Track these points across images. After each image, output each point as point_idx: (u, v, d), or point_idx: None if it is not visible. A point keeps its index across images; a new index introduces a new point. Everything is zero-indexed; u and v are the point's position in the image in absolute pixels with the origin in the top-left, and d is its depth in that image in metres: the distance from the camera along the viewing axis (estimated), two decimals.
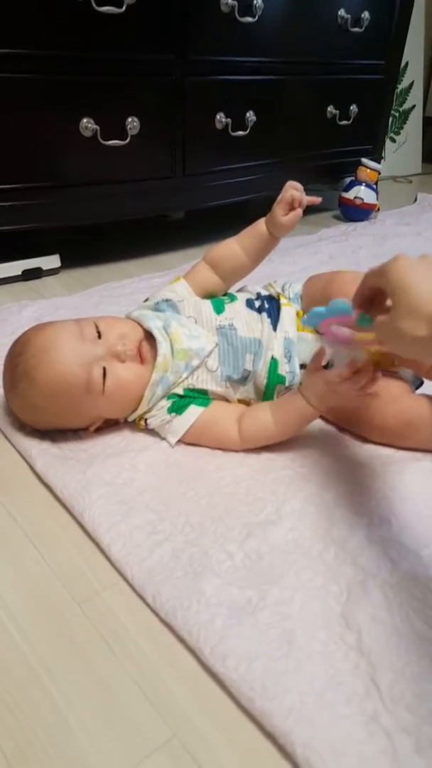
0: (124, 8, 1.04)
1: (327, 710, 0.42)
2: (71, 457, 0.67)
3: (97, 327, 0.66)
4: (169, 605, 0.50)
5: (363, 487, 0.62)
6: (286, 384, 0.71)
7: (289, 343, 0.71)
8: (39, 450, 0.68)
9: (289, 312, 0.73)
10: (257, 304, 0.74)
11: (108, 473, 0.64)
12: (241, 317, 0.72)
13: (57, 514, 0.61)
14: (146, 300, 0.77)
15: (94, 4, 1.01)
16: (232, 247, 0.77)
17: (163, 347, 0.67)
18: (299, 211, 0.73)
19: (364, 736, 0.41)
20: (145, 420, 0.70)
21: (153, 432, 0.71)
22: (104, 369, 0.64)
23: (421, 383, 0.72)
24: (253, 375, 0.71)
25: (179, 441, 0.69)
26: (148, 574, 0.52)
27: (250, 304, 0.74)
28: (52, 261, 1.24)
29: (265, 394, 0.71)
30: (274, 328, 0.71)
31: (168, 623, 0.49)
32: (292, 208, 0.73)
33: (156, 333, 0.67)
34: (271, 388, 0.71)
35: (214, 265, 0.77)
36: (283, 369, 0.70)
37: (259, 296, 0.75)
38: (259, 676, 0.44)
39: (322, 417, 0.74)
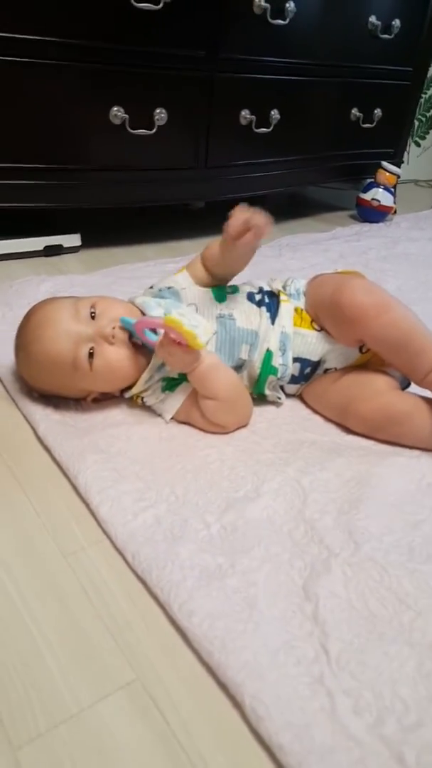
0: (161, 5, 1.07)
1: (277, 669, 0.46)
2: (71, 424, 0.72)
3: (93, 308, 0.70)
4: (146, 564, 0.54)
5: (339, 475, 0.65)
6: (278, 375, 0.75)
7: (285, 337, 0.74)
8: (42, 415, 0.72)
9: (287, 308, 0.76)
10: (257, 297, 0.77)
11: (104, 442, 0.69)
12: (240, 308, 0.75)
13: (53, 475, 0.66)
14: (151, 287, 0.80)
15: (132, 0, 1.04)
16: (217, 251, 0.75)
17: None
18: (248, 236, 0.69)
19: (308, 694, 0.45)
20: (142, 398, 0.74)
21: (150, 408, 0.76)
22: (92, 349, 0.68)
23: (410, 383, 0.75)
24: (248, 364, 0.74)
25: (173, 418, 0.73)
26: (131, 535, 0.57)
27: (250, 296, 0.77)
28: (73, 239, 1.29)
29: (258, 383, 0.75)
30: (272, 322, 0.75)
31: (143, 580, 0.53)
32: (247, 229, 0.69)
33: None
34: (263, 378, 0.75)
35: (205, 263, 0.77)
36: (277, 361, 0.74)
37: (260, 291, 0.78)
38: (219, 633, 0.48)
39: (309, 407, 0.79)
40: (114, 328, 0.69)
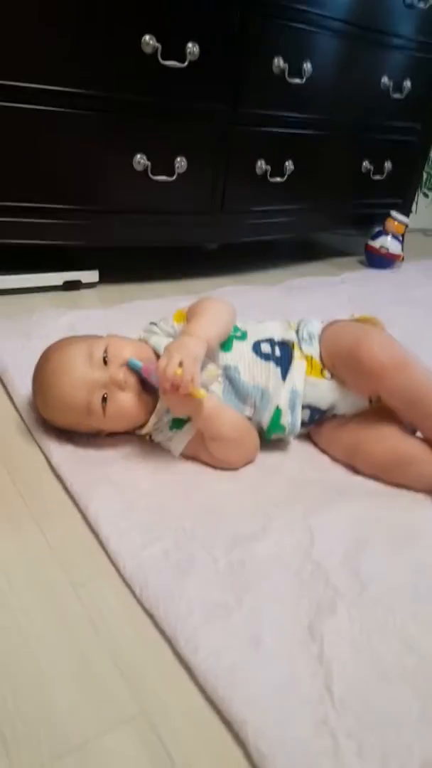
0: (186, 63, 1.15)
1: (282, 707, 0.47)
2: (85, 455, 0.74)
3: (106, 351, 0.70)
4: (153, 597, 0.55)
5: (346, 515, 0.66)
6: (285, 433, 0.75)
7: (295, 395, 0.74)
8: (56, 445, 0.74)
9: (300, 365, 0.75)
10: (265, 349, 0.75)
11: (116, 474, 0.71)
12: (245, 361, 0.74)
13: (65, 505, 0.67)
14: (153, 323, 0.80)
15: (160, 58, 1.12)
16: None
17: None
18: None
19: (312, 734, 0.45)
20: (150, 436, 0.76)
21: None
22: (106, 395, 0.69)
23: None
24: (255, 420, 0.75)
25: (181, 455, 0.75)
26: (139, 568, 0.58)
27: (256, 348, 0.75)
28: (91, 275, 1.33)
29: (265, 434, 0.76)
30: (284, 378, 0.74)
31: (150, 613, 0.54)
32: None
33: None
34: (270, 434, 0.76)
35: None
36: (286, 419, 0.74)
37: (271, 342, 0.76)
38: (225, 668, 0.49)
39: (318, 447, 0.80)
40: (125, 373, 0.70)
